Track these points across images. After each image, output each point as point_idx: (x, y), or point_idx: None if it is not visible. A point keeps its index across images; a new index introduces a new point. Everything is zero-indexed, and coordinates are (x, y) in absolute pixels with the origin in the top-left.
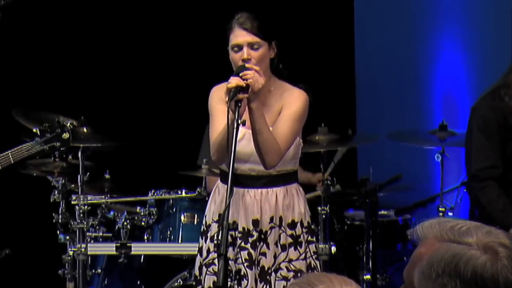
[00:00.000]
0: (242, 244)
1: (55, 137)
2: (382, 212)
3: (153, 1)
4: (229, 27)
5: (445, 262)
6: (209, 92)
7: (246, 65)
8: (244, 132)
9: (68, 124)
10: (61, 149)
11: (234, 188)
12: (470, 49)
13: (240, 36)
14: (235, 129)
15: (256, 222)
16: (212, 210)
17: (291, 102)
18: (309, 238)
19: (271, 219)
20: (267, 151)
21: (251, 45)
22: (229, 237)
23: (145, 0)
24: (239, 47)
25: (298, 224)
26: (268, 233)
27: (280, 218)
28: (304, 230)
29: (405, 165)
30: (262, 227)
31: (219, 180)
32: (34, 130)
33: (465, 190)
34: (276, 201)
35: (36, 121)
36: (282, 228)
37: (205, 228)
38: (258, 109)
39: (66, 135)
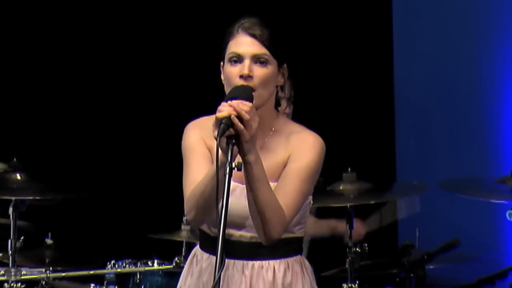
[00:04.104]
0: None
1: None
2: None
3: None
4: (229, 33)
5: None
6: (183, 129)
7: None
8: (233, 187)
9: None
10: None
11: (213, 258)
12: None
13: (243, 44)
14: (227, 175)
15: None
16: (187, 285)
17: (302, 151)
18: None
19: None
20: (269, 219)
21: (256, 58)
22: None
23: (97, 31)
24: (239, 58)
25: None
26: None
27: None
28: None
29: (465, 226)
30: None
31: (197, 246)
32: None
33: None
34: (273, 278)
35: None
36: None
37: None
38: (257, 163)
39: None
